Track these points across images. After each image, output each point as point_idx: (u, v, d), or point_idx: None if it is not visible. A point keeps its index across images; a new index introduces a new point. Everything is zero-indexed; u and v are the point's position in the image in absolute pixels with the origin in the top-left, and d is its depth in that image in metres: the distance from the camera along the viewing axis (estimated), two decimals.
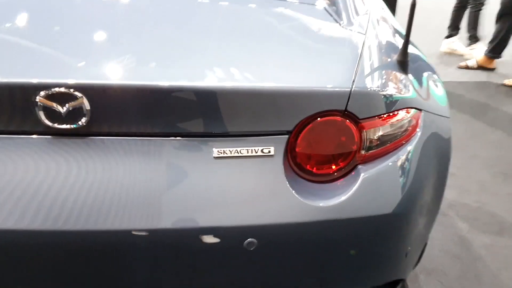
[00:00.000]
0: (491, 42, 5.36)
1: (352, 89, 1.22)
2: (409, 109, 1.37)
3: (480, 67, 5.47)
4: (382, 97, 1.28)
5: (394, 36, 1.72)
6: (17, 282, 1.22)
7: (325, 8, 1.70)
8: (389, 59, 1.46)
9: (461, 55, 5.93)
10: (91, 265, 1.21)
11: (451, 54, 6.08)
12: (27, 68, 1.15)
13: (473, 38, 5.97)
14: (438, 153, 1.50)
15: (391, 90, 1.32)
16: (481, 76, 5.35)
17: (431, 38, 6.10)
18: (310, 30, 1.56)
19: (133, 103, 1.15)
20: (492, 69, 5.47)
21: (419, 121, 1.40)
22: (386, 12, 1.98)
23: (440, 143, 1.53)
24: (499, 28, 5.19)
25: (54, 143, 1.15)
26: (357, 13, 1.66)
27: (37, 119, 1.12)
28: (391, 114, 1.31)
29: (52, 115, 1.13)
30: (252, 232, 1.20)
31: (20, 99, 1.11)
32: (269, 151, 1.21)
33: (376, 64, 1.38)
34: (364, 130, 1.27)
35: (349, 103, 1.22)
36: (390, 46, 1.59)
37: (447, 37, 6.15)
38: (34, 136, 1.16)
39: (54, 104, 1.11)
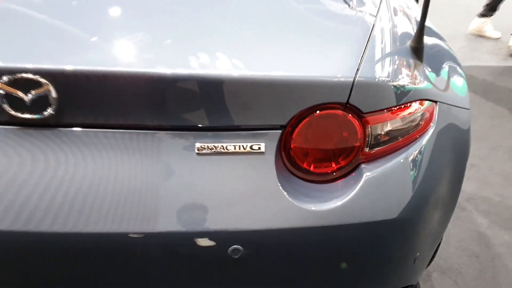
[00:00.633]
0: None
1: (356, 79, 1.08)
2: (422, 101, 1.22)
3: None
4: (391, 88, 1.14)
5: (410, 19, 1.56)
6: None
7: None
8: (401, 45, 1.31)
9: (489, 38, 5.63)
10: (55, 266, 1.10)
11: (478, 36, 5.81)
12: None
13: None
14: (454, 150, 1.36)
15: (402, 80, 1.18)
16: (510, 61, 5.09)
17: (460, 18, 5.85)
18: (313, 11, 1.40)
19: (106, 92, 1.03)
20: None
21: (434, 114, 1.26)
22: None
23: (457, 138, 1.39)
24: None
25: (18, 134, 1.04)
26: None
27: None
28: (402, 106, 1.17)
29: (16, 103, 1.02)
30: (237, 238, 1.08)
31: None
32: (259, 148, 1.08)
33: (386, 51, 1.24)
34: (369, 126, 1.13)
35: (351, 95, 1.08)
36: (404, 30, 1.43)
37: (481, 16, 5.62)
38: None
39: (18, 91, 1.00)
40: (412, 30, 1.46)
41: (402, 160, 1.17)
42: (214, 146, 1.07)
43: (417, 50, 1.29)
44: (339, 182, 1.15)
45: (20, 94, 1.00)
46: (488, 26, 5.65)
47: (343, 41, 1.23)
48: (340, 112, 1.10)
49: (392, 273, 1.29)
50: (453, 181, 1.39)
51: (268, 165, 1.09)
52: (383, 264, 1.24)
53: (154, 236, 1.05)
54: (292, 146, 1.12)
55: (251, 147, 1.08)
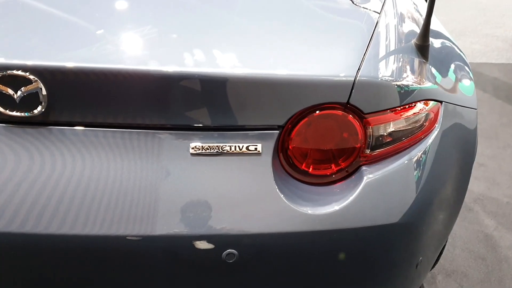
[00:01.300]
0: None
1: (357, 79, 1.04)
2: (427, 101, 1.18)
3: None
4: (394, 87, 1.10)
5: (415, 16, 1.52)
6: None
7: None
8: (406, 43, 1.27)
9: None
10: (50, 268, 1.07)
11: (488, 33, 5.73)
12: None
13: None
14: (460, 151, 1.32)
15: (405, 79, 1.14)
16: None
17: (470, 14, 5.77)
18: (315, 8, 1.35)
19: (97, 90, 1.00)
20: None
21: (438, 115, 1.22)
22: None
23: (463, 138, 1.35)
24: None
25: (4, 133, 1.01)
26: None
27: None
28: (406, 107, 1.13)
29: (5, 100, 0.99)
30: (232, 242, 1.04)
31: None
32: (256, 149, 1.05)
33: (389, 49, 1.20)
34: (370, 126, 1.09)
35: (352, 95, 1.04)
36: (409, 27, 1.39)
37: None
38: None
39: (7, 89, 0.97)
40: (417, 27, 1.41)
41: (405, 162, 1.13)
42: (209, 146, 1.03)
43: (422, 48, 1.25)
44: (339, 184, 1.12)
45: (10, 91, 0.98)
46: None
47: (344, 39, 1.19)
48: (340, 112, 1.07)
49: (393, 278, 1.25)
50: (459, 183, 1.35)
51: (265, 167, 1.06)
52: (383, 269, 1.21)
53: (147, 239, 1.02)
54: (290, 147, 1.08)
55: (247, 148, 1.04)
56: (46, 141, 1.02)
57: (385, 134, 1.12)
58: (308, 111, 1.05)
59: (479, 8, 5.90)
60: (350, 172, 1.12)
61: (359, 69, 1.05)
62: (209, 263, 1.06)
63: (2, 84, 0.97)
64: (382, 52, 1.16)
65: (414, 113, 1.15)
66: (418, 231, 1.20)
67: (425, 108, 1.18)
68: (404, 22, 1.39)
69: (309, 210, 1.06)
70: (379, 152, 1.12)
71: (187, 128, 1.04)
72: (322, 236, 1.08)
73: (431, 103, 1.20)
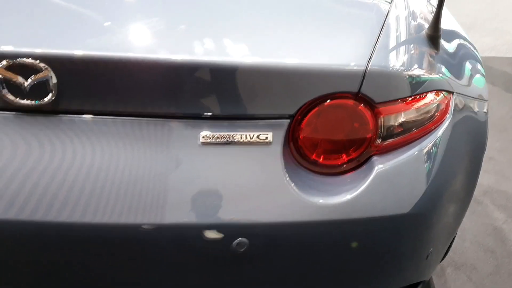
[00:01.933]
0: None
1: (368, 68, 1.03)
2: (438, 91, 1.17)
3: None
4: (405, 77, 1.09)
5: (426, 6, 1.50)
6: None
7: None
8: (417, 33, 1.26)
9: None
10: (59, 256, 1.08)
11: (498, 27, 5.68)
12: None
13: None
14: (470, 142, 1.31)
15: (416, 69, 1.13)
16: None
17: (480, 6, 5.73)
18: None
19: (107, 78, 0.99)
20: None
21: (449, 106, 1.21)
22: None
23: (474, 130, 1.34)
24: None
25: (14, 121, 1.01)
26: None
27: None
28: (417, 97, 1.12)
29: (15, 88, 0.99)
30: (243, 231, 1.04)
31: None
32: (267, 138, 1.04)
33: (401, 39, 1.19)
34: (381, 116, 1.08)
35: (363, 84, 1.04)
36: (421, 18, 1.38)
37: None
38: None
39: (17, 77, 0.97)
40: (428, 18, 1.40)
41: (416, 153, 1.12)
42: (219, 135, 1.03)
43: (434, 38, 1.24)
44: (349, 174, 1.11)
45: (20, 79, 0.97)
46: None
47: (355, 28, 1.18)
48: (351, 102, 1.06)
49: (404, 268, 1.25)
50: (469, 175, 1.34)
51: (275, 156, 1.05)
52: (394, 260, 1.20)
53: (157, 228, 1.02)
54: (300, 136, 1.08)
55: (258, 137, 1.04)
56: (56, 129, 1.02)
57: (396, 124, 1.11)
58: (319, 100, 1.05)
59: (488, 2, 5.86)
60: (361, 162, 1.11)
61: (370, 58, 1.05)
62: (219, 253, 1.06)
63: (12, 72, 0.97)
64: (393, 42, 1.15)
65: (425, 104, 1.14)
66: (429, 222, 1.19)
67: (436, 99, 1.17)
68: (415, 13, 1.38)
69: (320, 200, 1.06)
70: (390, 143, 1.11)
71: (197, 117, 1.03)
72: (332, 226, 1.08)
73: (442, 93, 1.19)
